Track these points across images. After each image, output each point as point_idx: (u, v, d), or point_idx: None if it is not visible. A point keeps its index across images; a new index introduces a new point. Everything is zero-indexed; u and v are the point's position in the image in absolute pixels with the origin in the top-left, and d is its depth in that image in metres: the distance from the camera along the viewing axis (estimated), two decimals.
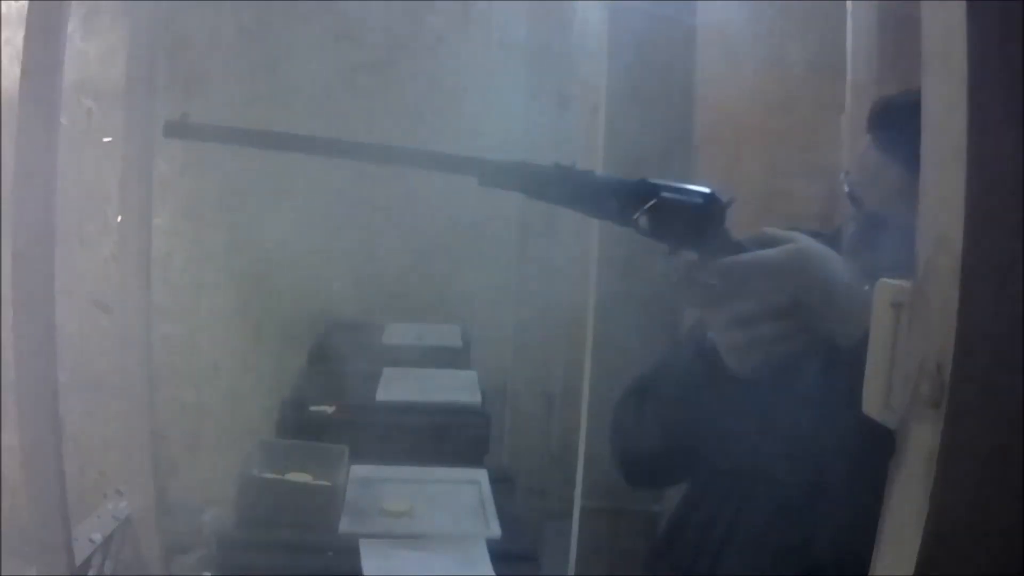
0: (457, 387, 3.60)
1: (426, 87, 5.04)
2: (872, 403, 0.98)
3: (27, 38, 3.02)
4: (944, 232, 0.84)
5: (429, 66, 5.04)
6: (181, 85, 5.02)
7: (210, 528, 4.91)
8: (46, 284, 3.06)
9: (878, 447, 1.55)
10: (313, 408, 3.26)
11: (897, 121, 1.71)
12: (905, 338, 0.93)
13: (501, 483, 2.82)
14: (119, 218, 4.07)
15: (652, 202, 1.56)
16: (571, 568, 2.64)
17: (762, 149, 4.67)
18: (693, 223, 1.55)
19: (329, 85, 5.04)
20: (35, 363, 3.07)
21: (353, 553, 2.29)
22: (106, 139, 4.61)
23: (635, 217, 1.57)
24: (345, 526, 2.44)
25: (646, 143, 2.45)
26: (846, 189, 1.75)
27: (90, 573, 4.14)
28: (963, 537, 0.85)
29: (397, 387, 3.55)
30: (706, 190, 1.57)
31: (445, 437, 3.16)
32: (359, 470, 2.76)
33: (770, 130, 4.65)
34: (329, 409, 3.23)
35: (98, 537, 4.27)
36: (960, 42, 0.81)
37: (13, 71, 4.62)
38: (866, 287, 1.49)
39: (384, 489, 2.69)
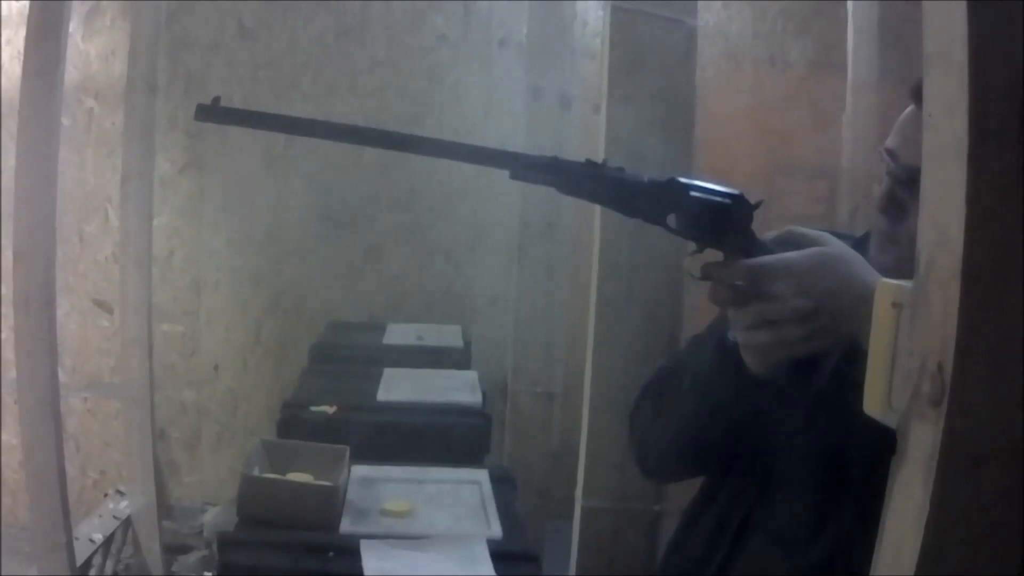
0: (458, 387, 3.59)
1: (427, 86, 5.05)
2: (873, 402, 0.98)
3: (28, 38, 3.02)
4: (945, 232, 0.84)
5: (430, 65, 5.04)
6: (181, 85, 5.03)
7: (210, 528, 4.91)
8: (47, 283, 3.06)
9: (891, 447, 1.56)
10: (314, 408, 3.25)
11: None
12: (906, 337, 0.93)
13: (502, 483, 2.81)
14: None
15: (682, 202, 1.58)
16: (572, 568, 2.65)
17: (762, 148, 4.67)
18: (721, 223, 1.56)
19: (330, 84, 5.05)
20: (36, 363, 3.07)
21: (354, 553, 2.28)
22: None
23: (665, 216, 1.58)
24: (346, 526, 2.44)
25: (646, 143, 2.45)
26: (884, 155, 1.77)
27: (91, 573, 4.15)
28: (964, 536, 0.85)
29: (398, 387, 3.54)
30: (735, 191, 1.58)
31: (446, 437, 3.16)
32: (360, 470, 2.75)
33: (770, 129, 4.65)
34: (330, 409, 3.23)
35: (99, 537, 4.28)
36: (961, 42, 0.81)
37: (14, 71, 4.64)
38: None
39: (385, 489, 2.69)
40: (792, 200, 4.77)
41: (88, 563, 4.10)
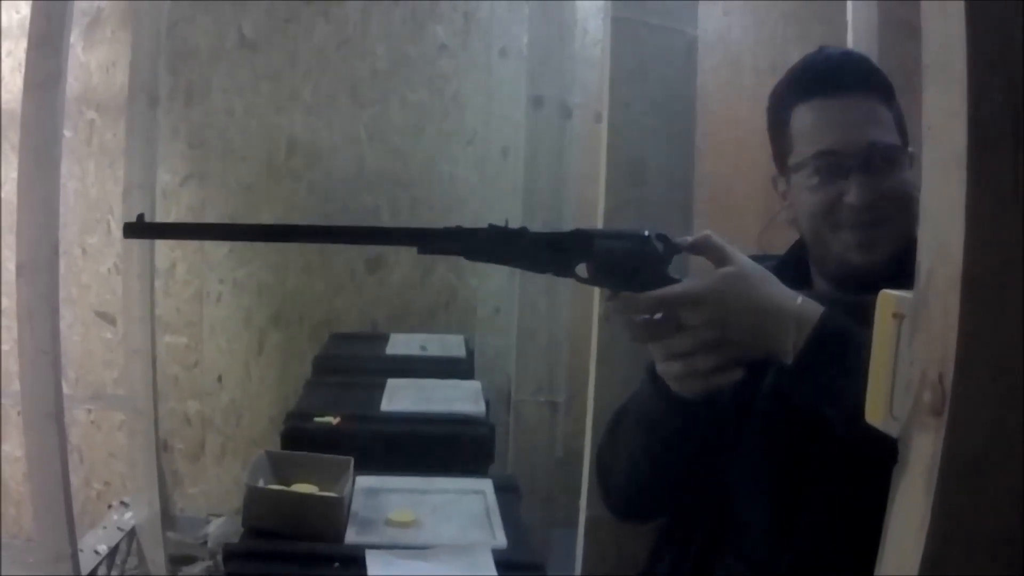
0: (461, 397, 3.58)
1: (428, 96, 5.06)
2: (875, 412, 0.99)
3: (29, 50, 3.03)
4: (945, 242, 0.84)
5: (431, 75, 5.05)
6: (183, 96, 5.04)
7: (214, 539, 4.92)
8: (50, 296, 3.07)
9: (835, 457, 1.60)
10: (318, 419, 3.25)
11: (832, 68, 1.84)
12: (907, 348, 0.93)
13: (506, 492, 2.81)
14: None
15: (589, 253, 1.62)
16: None
17: (764, 155, 4.67)
18: (629, 266, 1.59)
19: (331, 94, 5.05)
20: (40, 375, 3.08)
21: (359, 563, 2.29)
22: None
23: (573, 267, 1.62)
24: (351, 537, 2.44)
25: (648, 150, 2.46)
26: (826, 158, 1.80)
27: None
28: (965, 545, 0.85)
29: (401, 398, 3.53)
30: (643, 233, 1.61)
31: (450, 447, 3.16)
32: (364, 481, 2.75)
33: None
34: (334, 420, 3.23)
35: (103, 548, 4.29)
36: (960, 51, 0.82)
37: (14, 82, 4.65)
38: (798, 300, 1.53)
39: (389, 499, 2.69)
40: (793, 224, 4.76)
41: (93, 574, 4.11)
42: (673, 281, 1.57)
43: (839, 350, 1.42)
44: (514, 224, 1.63)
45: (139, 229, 1.69)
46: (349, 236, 1.73)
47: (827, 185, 1.79)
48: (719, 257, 1.58)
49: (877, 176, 1.75)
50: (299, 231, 1.83)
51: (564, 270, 1.62)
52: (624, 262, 1.58)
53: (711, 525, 1.90)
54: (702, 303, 1.54)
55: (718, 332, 1.54)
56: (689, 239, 1.61)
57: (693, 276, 1.60)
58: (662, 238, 1.61)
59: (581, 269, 1.61)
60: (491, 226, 1.62)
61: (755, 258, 1.65)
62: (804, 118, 1.83)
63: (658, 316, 1.57)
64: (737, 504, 1.86)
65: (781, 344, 1.52)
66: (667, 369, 1.62)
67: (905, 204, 1.76)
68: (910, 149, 1.80)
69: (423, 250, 1.63)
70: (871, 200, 1.75)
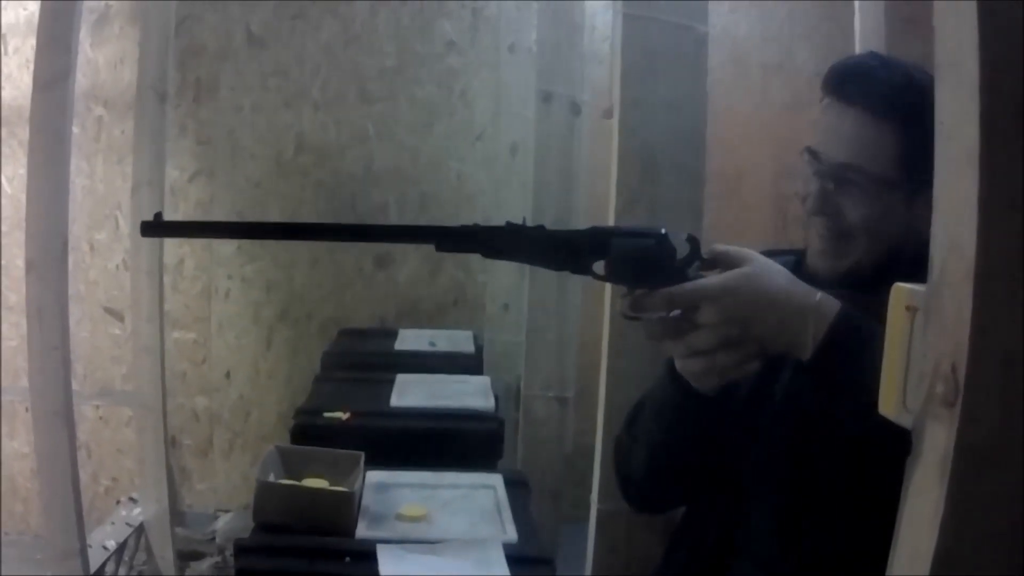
0: (470, 392, 3.58)
1: (436, 92, 5.06)
2: (888, 403, 1.00)
3: (38, 48, 3.04)
4: (957, 237, 0.85)
5: (439, 72, 5.06)
6: (191, 92, 5.05)
7: (223, 534, 4.93)
8: (60, 293, 3.08)
9: (847, 457, 1.60)
10: (327, 414, 3.25)
11: (851, 74, 1.81)
12: (920, 340, 0.94)
13: (516, 487, 2.81)
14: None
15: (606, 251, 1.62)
16: (587, 570, 2.65)
17: (772, 151, 4.67)
18: (646, 264, 1.59)
19: (339, 92, 5.06)
20: (49, 372, 3.08)
21: (370, 558, 2.29)
22: None
23: (590, 265, 1.63)
24: (362, 531, 2.44)
25: (659, 147, 2.46)
26: (807, 155, 1.80)
27: None
28: (980, 536, 0.86)
29: (410, 393, 3.53)
30: (660, 231, 1.61)
31: (460, 442, 3.16)
32: (375, 475, 2.76)
33: (779, 132, 4.66)
34: (343, 415, 3.23)
35: (112, 544, 4.29)
36: (972, 51, 0.83)
37: (22, 79, 4.66)
38: (817, 296, 1.54)
39: (400, 494, 2.69)
40: (800, 204, 4.76)
41: (101, 570, 4.12)
42: (692, 279, 1.58)
43: (855, 347, 1.43)
44: (529, 222, 1.64)
45: (156, 228, 1.70)
46: (367, 234, 1.74)
47: (810, 180, 1.81)
48: (733, 263, 1.59)
49: (843, 196, 1.76)
50: (316, 229, 1.84)
51: (581, 268, 1.63)
52: (641, 260, 1.59)
53: (723, 526, 1.91)
54: (716, 300, 1.54)
55: (738, 329, 1.55)
56: (705, 255, 1.62)
57: (708, 274, 1.61)
58: (691, 240, 1.61)
59: (598, 267, 1.62)
60: (509, 224, 1.63)
61: (771, 253, 1.66)
62: (821, 110, 1.85)
63: (675, 314, 1.58)
64: (749, 504, 1.87)
65: (799, 339, 1.53)
66: (687, 366, 1.63)
67: (864, 235, 1.75)
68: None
69: (440, 248, 1.63)
70: (825, 213, 1.76)
